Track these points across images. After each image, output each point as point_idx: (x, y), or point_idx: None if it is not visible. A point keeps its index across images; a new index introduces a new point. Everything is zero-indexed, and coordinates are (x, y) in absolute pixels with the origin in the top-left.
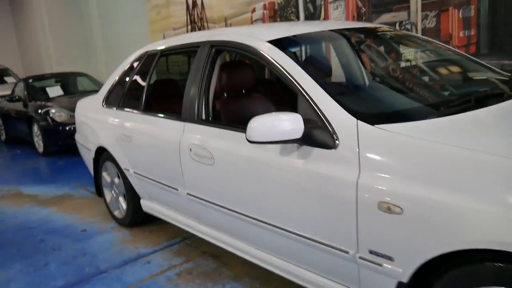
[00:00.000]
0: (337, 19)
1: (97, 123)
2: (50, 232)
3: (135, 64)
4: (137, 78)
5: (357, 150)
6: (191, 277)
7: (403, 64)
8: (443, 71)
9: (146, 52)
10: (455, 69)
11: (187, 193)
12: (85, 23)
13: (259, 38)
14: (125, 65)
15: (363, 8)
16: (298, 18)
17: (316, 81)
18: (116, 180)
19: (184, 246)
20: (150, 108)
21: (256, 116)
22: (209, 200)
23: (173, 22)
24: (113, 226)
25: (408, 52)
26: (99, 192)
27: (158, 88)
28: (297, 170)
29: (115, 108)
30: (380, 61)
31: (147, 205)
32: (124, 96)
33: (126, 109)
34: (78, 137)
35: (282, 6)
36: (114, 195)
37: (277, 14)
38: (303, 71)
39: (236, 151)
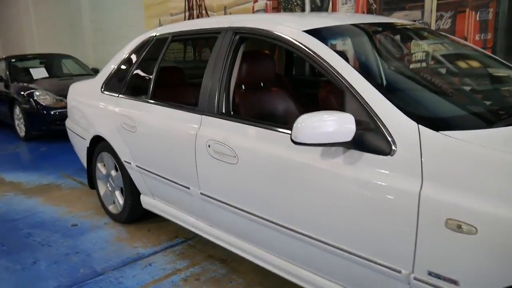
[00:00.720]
0: (329, 12)
1: (94, 110)
2: (37, 226)
3: (141, 49)
4: (144, 64)
5: (420, 158)
6: (199, 284)
7: (451, 66)
8: (492, 77)
9: (154, 36)
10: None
11: (201, 193)
12: (72, 3)
13: (293, 27)
14: (128, 50)
15: (374, 5)
16: (303, 11)
17: (367, 79)
18: (113, 172)
19: (187, 247)
20: (158, 97)
21: (304, 114)
22: (228, 202)
23: (170, 7)
24: (107, 222)
25: (451, 53)
26: (92, 184)
27: (166, 75)
28: (342, 176)
29: (116, 95)
30: (429, 62)
31: (148, 201)
32: (127, 82)
33: (129, 96)
34: (69, 123)
35: None
36: (110, 188)
37: (280, 6)
38: (351, 67)
39: (265, 150)
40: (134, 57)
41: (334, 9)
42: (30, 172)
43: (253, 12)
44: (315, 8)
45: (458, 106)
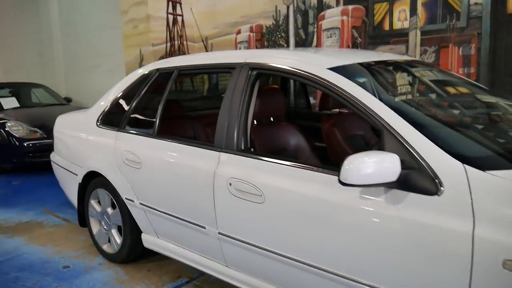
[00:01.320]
0: (330, 48)
1: (89, 144)
2: (25, 269)
3: (142, 83)
4: (146, 98)
5: (469, 198)
6: None
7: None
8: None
9: (158, 69)
10: None
11: (219, 232)
12: (43, 30)
13: (314, 63)
14: (127, 83)
15: (359, 39)
16: (287, 43)
17: (403, 117)
18: (110, 210)
19: None
20: (164, 132)
21: (350, 156)
22: (252, 243)
23: (152, 38)
24: (101, 262)
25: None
26: (82, 222)
27: (172, 110)
28: (387, 215)
29: (115, 130)
30: (449, 100)
31: (150, 240)
32: (128, 117)
33: (131, 131)
34: (55, 157)
35: (270, 30)
36: (105, 226)
37: (264, 38)
38: (384, 105)
39: (296, 189)
40: (134, 91)
41: (318, 43)
42: (6, 209)
43: (236, 43)
44: (300, 41)
45: (497, 145)
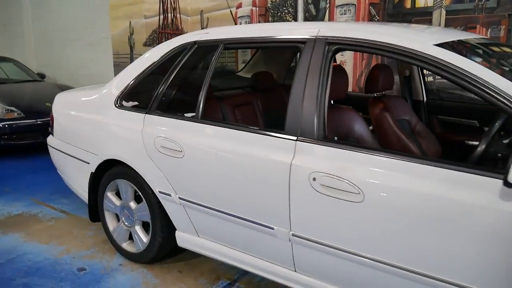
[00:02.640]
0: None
1: (107, 129)
2: (33, 273)
3: (176, 58)
4: (182, 75)
5: None
6: None
7: None
8: None
9: (195, 42)
10: None
11: (293, 234)
12: None
13: (417, 39)
14: (153, 57)
15: (377, 17)
16: (295, 19)
17: None
18: (132, 204)
19: None
20: (211, 115)
21: None
22: (342, 248)
23: (144, 9)
24: (122, 263)
25: None
26: (93, 216)
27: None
28: None
29: (143, 112)
30: None
31: (187, 239)
32: (160, 97)
33: (165, 114)
34: (55, 141)
35: (276, 4)
36: (126, 222)
37: (268, 13)
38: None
39: (409, 187)
40: (164, 67)
41: (331, 19)
42: None
43: (235, 18)
44: (309, 17)
45: None
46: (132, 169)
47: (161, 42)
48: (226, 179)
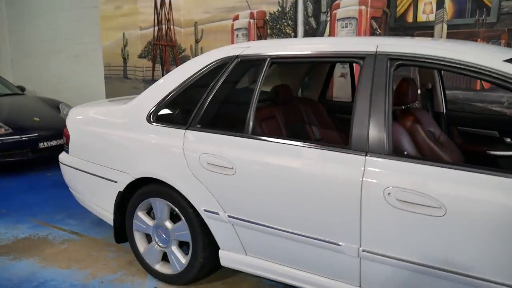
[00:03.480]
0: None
1: (140, 145)
2: None
3: (216, 72)
4: (224, 90)
5: None
6: None
7: None
8: None
9: (237, 56)
10: None
11: (363, 250)
12: None
13: (484, 55)
14: (190, 71)
15: (378, 30)
16: (295, 32)
17: None
18: (168, 224)
19: None
20: (261, 131)
21: None
22: (424, 263)
23: (140, 20)
24: (156, 286)
25: None
26: (120, 237)
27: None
28: None
29: (183, 128)
30: None
31: (233, 258)
32: (201, 112)
33: (209, 130)
34: (70, 159)
35: (275, 17)
36: (160, 243)
37: (267, 25)
38: None
39: (487, 199)
40: (203, 81)
41: (332, 33)
42: None
43: (232, 30)
44: (309, 30)
45: None
46: (170, 187)
47: (156, 53)
48: (285, 197)
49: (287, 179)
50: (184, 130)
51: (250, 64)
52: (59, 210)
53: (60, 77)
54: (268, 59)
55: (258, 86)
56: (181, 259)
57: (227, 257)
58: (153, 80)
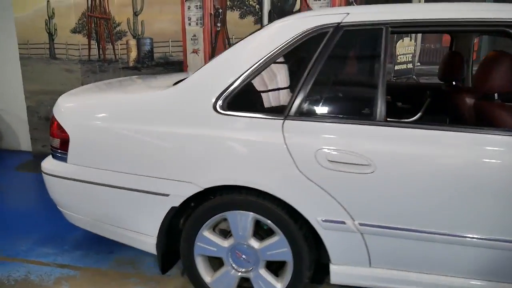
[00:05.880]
0: None
1: (210, 143)
2: None
3: (314, 45)
4: (333, 67)
5: None
6: None
7: None
8: None
9: (338, 25)
10: None
11: None
12: None
13: None
14: (271, 45)
15: (354, 3)
16: (260, 5)
17: None
18: (253, 242)
19: None
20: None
21: None
22: None
23: None
24: None
25: None
26: (165, 267)
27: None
28: None
29: (280, 118)
30: None
31: (352, 272)
32: (305, 97)
33: (327, 119)
34: (70, 169)
35: None
36: (239, 268)
37: None
38: None
39: None
40: (295, 58)
41: (303, 5)
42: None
43: (183, 1)
44: (277, 2)
45: None
46: (258, 195)
47: (91, 28)
48: (444, 195)
49: (448, 174)
50: (282, 120)
51: (358, 34)
52: (18, 235)
53: None
54: (383, 27)
55: (382, 58)
56: (274, 284)
57: (342, 272)
58: (89, 61)
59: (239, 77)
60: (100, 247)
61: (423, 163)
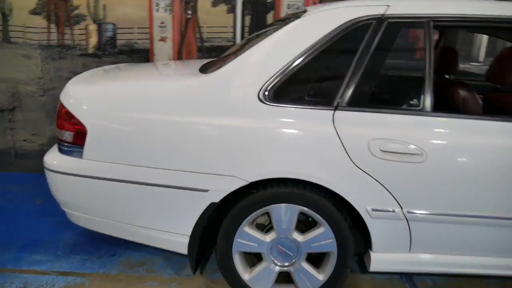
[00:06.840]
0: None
1: (256, 135)
2: None
3: (358, 37)
4: (379, 59)
5: None
6: None
7: None
8: None
9: (381, 17)
10: None
11: None
12: None
13: None
14: (316, 35)
15: None
16: None
17: None
18: (296, 235)
19: None
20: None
21: None
22: None
23: None
24: None
25: None
26: (197, 265)
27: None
28: None
29: (330, 109)
30: None
31: (393, 259)
32: (355, 88)
33: (378, 109)
34: (86, 166)
35: None
36: (279, 263)
37: None
38: None
39: None
40: (340, 49)
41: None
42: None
43: None
44: None
45: None
46: (305, 187)
47: (50, 9)
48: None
49: (494, 161)
50: (333, 111)
51: (401, 26)
52: (18, 247)
53: None
54: (427, 21)
55: (430, 53)
56: (316, 275)
57: (382, 259)
58: (49, 46)
59: (284, 67)
60: (100, 250)
61: (471, 151)
